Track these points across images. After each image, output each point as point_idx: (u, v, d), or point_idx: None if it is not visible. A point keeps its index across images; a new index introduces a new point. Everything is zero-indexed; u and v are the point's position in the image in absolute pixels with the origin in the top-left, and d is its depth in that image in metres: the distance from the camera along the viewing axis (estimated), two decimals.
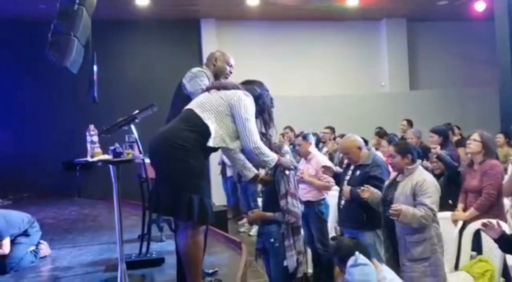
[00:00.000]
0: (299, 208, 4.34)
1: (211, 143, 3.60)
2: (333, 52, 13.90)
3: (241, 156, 3.94)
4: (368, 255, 3.45)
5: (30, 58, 10.31)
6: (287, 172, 4.32)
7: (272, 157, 3.83)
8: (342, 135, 9.00)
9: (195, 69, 4.31)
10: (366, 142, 6.56)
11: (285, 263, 4.28)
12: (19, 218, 5.67)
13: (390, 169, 5.35)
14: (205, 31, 12.86)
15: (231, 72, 4.53)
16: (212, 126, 3.61)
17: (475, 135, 5.32)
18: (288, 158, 4.46)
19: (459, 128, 9.99)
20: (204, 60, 4.63)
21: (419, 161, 4.71)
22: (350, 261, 3.35)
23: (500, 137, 7.78)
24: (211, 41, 12.56)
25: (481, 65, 13.43)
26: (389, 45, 14.15)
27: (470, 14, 12.38)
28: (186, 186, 3.50)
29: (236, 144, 3.76)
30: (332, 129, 9.99)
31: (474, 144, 5.28)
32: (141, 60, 12.67)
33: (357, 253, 3.36)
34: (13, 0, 10.36)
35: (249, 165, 4.01)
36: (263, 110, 4.01)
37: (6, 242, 5.37)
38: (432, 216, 4.30)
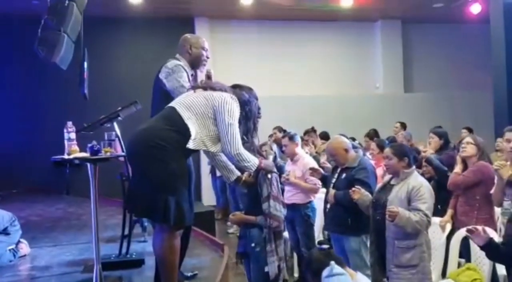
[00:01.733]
0: (281, 212, 4.22)
1: (190, 145, 3.43)
2: (328, 52, 13.80)
3: (223, 158, 3.83)
4: (341, 264, 3.32)
5: (22, 54, 10.13)
6: (269, 176, 4.19)
7: (253, 162, 3.64)
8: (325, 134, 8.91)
9: (170, 64, 4.13)
10: (356, 140, 6.45)
11: (266, 269, 4.16)
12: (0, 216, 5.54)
13: (378, 173, 5.25)
14: (199, 30, 12.66)
15: (208, 58, 4.31)
16: (193, 127, 3.44)
17: (469, 139, 5.27)
18: (271, 160, 4.35)
19: (471, 131, 9.10)
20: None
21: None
22: (325, 272, 3.22)
23: (501, 142, 7.60)
24: None
25: (475, 68, 13.39)
26: (383, 47, 14.06)
27: (465, 17, 12.35)
28: (163, 187, 3.34)
29: (217, 147, 3.56)
30: (314, 130, 9.72)
31: (469, 147, 5.19)
32: (133, 58, 12.51)
33: (332, 262, 3.23)
34: None
35: (231, 167, 3.91)
36: (249, 118, 3.77)
37: None
38: (426, 223, 4.25)
